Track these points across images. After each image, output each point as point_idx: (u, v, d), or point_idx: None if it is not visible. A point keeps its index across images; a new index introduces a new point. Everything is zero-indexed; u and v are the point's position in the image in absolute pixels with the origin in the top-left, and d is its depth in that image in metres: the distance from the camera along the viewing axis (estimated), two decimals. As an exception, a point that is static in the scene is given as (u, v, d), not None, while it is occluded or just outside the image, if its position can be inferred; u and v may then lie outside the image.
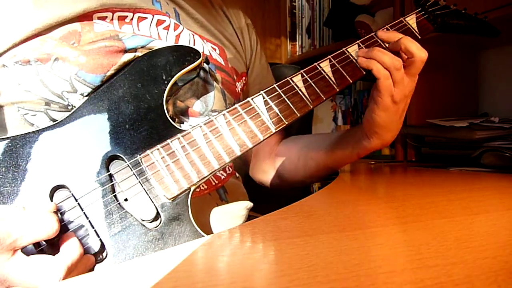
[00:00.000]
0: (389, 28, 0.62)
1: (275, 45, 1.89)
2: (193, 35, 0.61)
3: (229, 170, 0.65)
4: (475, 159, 0.88)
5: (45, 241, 0.38)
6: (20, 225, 0.35)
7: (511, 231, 0.35)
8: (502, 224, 0.37)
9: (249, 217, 0.68)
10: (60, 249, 0.39)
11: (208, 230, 0.56)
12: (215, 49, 0.65)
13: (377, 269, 0.26)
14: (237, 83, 0.68)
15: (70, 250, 0.38)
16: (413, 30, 0.63)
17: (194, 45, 0.60)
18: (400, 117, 0.60)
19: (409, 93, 0.58)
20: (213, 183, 0.60)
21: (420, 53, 0.54)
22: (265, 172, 0.79)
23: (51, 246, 0.39)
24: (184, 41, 0.59)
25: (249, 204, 0.65)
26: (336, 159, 0.68)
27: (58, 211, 0.42)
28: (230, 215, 0.61)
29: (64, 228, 0.41)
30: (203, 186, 0.57)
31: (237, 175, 0.70)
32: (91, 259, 0.41)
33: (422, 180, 0.73)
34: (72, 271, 0.37)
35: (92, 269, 0.41)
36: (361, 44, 0.60)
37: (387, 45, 0.60)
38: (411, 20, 0.64)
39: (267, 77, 0.80)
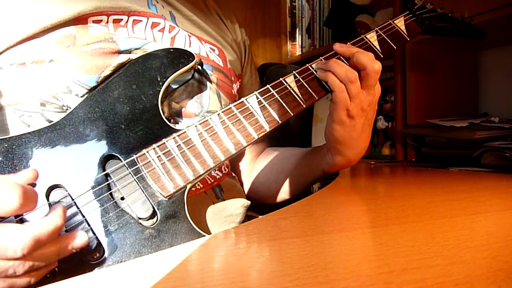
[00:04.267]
0: (378, 30, 0.63)
1: (275, 45, 1.89)
2: (189, 36, 0.61)
3: (225, 170, 0.65)
4: (475, 159, 0.88)
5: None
6: None
7: (511, 231, 0.35)
8: (502, 224, 0.37)
9: (249, 217, 0.68)
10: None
11: (204, 228, 0.56)
12: (213, 50, 0.65)
13: (377, 269, 0.26)
14: (234, 84, 0.68)
15: (44, 219, 0.35)
16: (401, 31, 0.64)
17: (189, 46, 0.60)
18: (361, 134, 0.58)
19: (367, 107, 0.56)
20: (209, 182, 0.60)
21: (372, 65, 0.53)
22: (243, 185, 0.78)
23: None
24: (179, 42, 0.59)
25: (246, 202, 0.65)
26: (304, 174, 0.68)
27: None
28: (227, 213, 0.61)
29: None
30: (199, 185, 0.57)
31: (233, 174, 0.70)
32: (81, 237, 0.38)
33: (422, 180, 0.73)
34: (43, 243, 0.34)
35: (80, 249, 0.38)
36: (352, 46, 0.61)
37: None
38: (400, 23, 0.66)
39: (255, 84, 0.81)
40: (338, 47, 0.58)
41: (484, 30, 0.74)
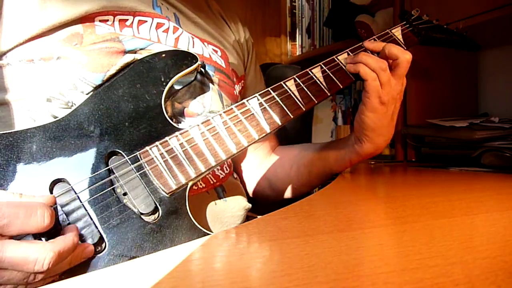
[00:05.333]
0: (376, 39, 0.64)
1: (275, 45, 1.89)
2: (192, 38, 0.62)
3: (227, 169, 0.65)
4: (475, 159, 0.88)
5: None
6: (11, 213, 0.35)
7: (511, 231, 0.35)
8: (502, 224, 0.37)
9: (248, 218, 0.68)
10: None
11: (205, 226, 0.57)
12: (216, 51, 0.66)
13: (377, 269, 0.26)
14: (235, 85, 0.69)
15: (64, 237, 0.38)
16: (399, 41, 0.66)
17: (193, 47, 0.61)
18: (391, 121, 0.61)
19: (397, 95, 0.59)
20: (212, 182, 0.60)
21: (403, 55, 0.57)
22: (255, 181, 0.79)
23: (50, 235, 0.39)
24: (183, 43, 0.60)
25: (248, 205, 0.66)
26: (328, 165, 0.68)
27: (58, 204, 0.42)
28: (228, 213, 0.61)
29: (63, 220, 0.42)
30: (201, 184, 0.58)
31: (235, 175, 0.70)
32: (89, 248, 0.41)
33: (422, 180, 0.73)
34: (64, 258, 0.37)
35: (91, 259, 0.41)
36: (350, 53, 0.62)
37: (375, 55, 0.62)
38: (397, 32, 0.67)
39: (260, 83, 0.81)
40: (368, 43, 0.62)
41: (484, 30, 0.75)
